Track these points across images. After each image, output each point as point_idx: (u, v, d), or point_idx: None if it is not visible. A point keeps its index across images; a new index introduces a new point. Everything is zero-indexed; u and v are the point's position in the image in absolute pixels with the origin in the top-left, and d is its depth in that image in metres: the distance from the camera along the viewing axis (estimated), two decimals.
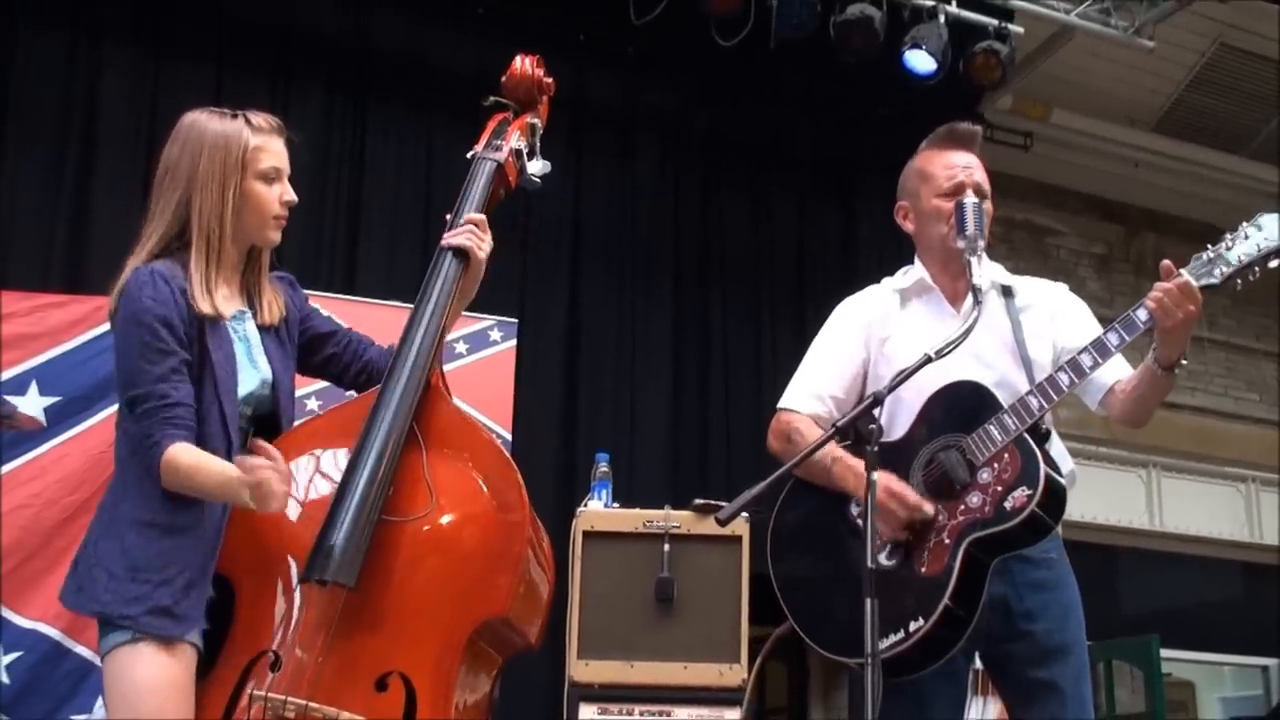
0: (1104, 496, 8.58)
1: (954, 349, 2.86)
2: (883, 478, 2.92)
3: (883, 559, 2.99)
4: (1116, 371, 3.14)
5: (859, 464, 3.04)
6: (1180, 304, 2.89)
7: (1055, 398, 2.98)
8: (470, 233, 2.96)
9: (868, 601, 2.58)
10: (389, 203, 6.72)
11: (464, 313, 3.26)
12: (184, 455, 2.58)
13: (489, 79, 3.30)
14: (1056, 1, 7.20)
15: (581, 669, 4.28)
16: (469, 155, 3.10)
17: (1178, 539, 9.06)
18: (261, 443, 2.52)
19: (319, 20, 6.72)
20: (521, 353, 6.09)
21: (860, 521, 3.07)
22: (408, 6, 6.83)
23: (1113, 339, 2.99)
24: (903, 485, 3.03)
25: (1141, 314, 2.96)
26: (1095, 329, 3.18)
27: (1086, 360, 2.99)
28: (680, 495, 5.20)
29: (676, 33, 6.75)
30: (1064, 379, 2.98)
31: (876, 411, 2.77)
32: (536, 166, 3.13)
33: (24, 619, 4.95)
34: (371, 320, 5.12)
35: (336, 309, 4.95)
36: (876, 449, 2.71)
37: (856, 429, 2.86)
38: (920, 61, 6.84)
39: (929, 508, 3.00)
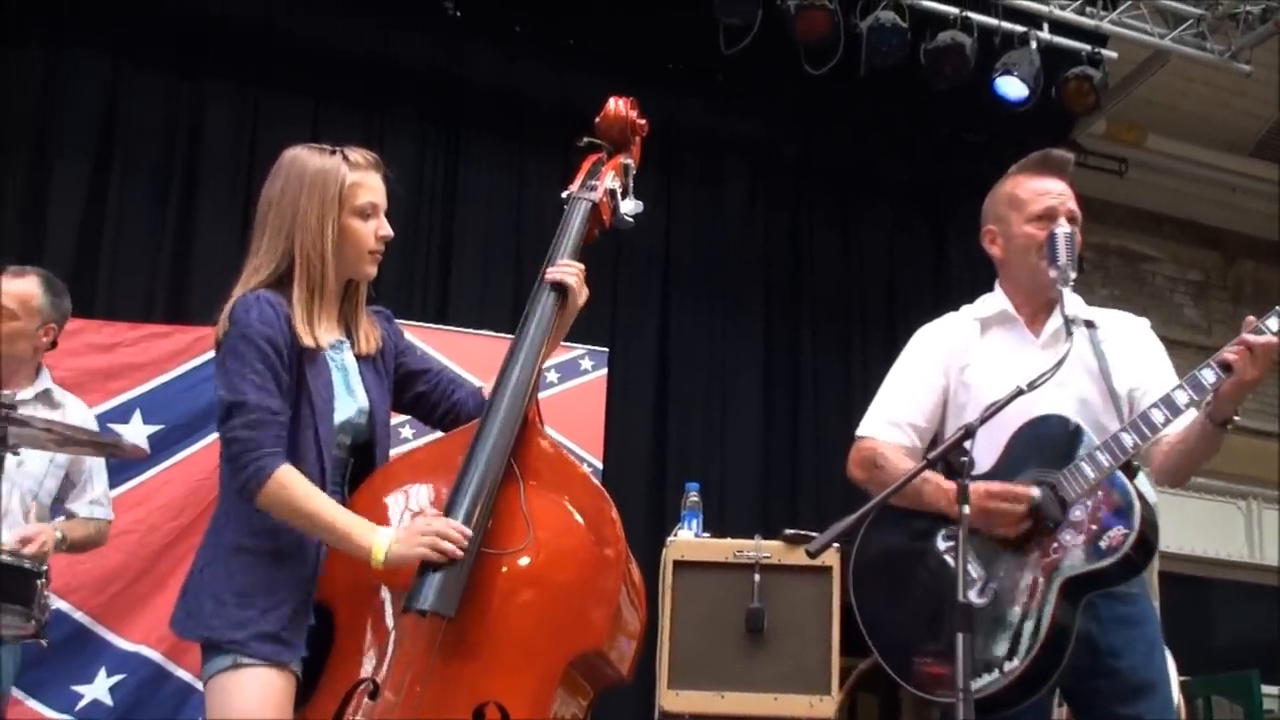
0: (1202, 528, 8.43)
1: (1046, 381, 2.84)
2: (977, 484, 2.87)
3: (973, 596, 2.97)
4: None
5: (951, 485, 3.02)
6: (1264, 361, 2.86)
7: (1150, 435, 2.93)
8: (572, 271, 3.00)
9: (959, 637, 2.56)
10: (480, 233, 6.83)
11: None
12: (295, 476, 2.64)
13: (579, 110, 3.34)
14: (1151, 26, 7.12)
15: (672, 699, 4.30)
16: (564, 195, 3.13)
17: (1278, 572, 8.87)
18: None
19: (413, 54, 6.83)
20: (612, 381, 6.14)
21: (946, 556, 3.07)
22: (500, 40, 6.93)
23: (1180, 397, 2.94)
24: (1000, 483, 2.99)
25: (1209, 374, 2.92)
26: (1169, 372, 3.14)
27: (1182, 397, 2.94)
28: (771, 525, 5.21)
29: (766, 61, 6.78)
30: (1158, 416, 2.94)
31: (968, 444, 2.75)
32: (630, 206, 3.16)
33: (127, 642, 5.08)
34: (464, 349, 5.22)
35: (430, 338, 5.06)
36: (968, 482, 2.70)
37: (947, 461, 2.83)
38: (1012, 88, 6.82)
39: (1035, 490, 2.96)
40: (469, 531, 2.64)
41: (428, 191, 6.73)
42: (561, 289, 2.98)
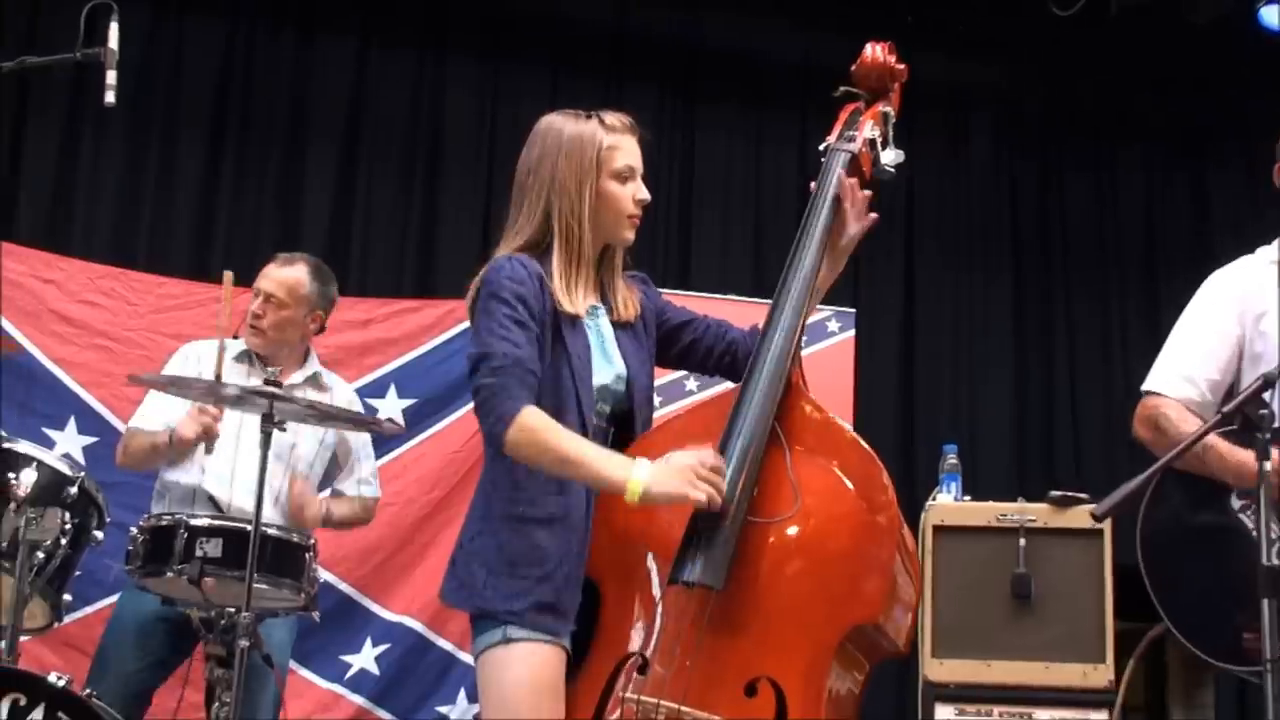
0: None
1: None
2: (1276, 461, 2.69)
3: (1275, 557, 2.78)
4: None
5: (1236, 452, 2.85)
6: None
7: None
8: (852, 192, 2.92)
9: (1265, 603, 2.41)
10: (720, 197, 6.79)
11: None
12: (541, 417, 2.58)
13: (816, 69, 3.24)
14: None
15: (936, 668, 4.18)
16: (821, 148, 3.03)
17: None
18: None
19: (650, 19, 6.83)
20: (858, 342, 6.03)
21: (1242, 516, 2.90)
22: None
23: None
24: None
25: None
26: None
27: None
28: (1026, 487, 5.03)
29: (1009, 7, 6.56)
30: None
31: (1267, 395, 2.57)
32: (890, 156, 3.04)
33: (390, 613, 5.22)
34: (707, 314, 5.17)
35: None
36: (1268, 436, 2.52)
37: (1245, 414, 2.66)
38: (1277, 18, 6.42)
39: None
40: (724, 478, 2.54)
41: (666, 158, 6.71)
42: (837, 200, 2.91)
